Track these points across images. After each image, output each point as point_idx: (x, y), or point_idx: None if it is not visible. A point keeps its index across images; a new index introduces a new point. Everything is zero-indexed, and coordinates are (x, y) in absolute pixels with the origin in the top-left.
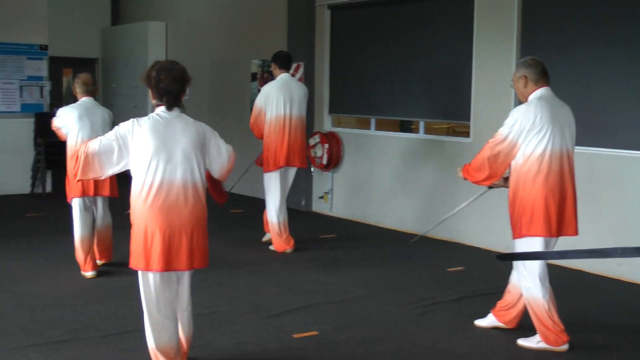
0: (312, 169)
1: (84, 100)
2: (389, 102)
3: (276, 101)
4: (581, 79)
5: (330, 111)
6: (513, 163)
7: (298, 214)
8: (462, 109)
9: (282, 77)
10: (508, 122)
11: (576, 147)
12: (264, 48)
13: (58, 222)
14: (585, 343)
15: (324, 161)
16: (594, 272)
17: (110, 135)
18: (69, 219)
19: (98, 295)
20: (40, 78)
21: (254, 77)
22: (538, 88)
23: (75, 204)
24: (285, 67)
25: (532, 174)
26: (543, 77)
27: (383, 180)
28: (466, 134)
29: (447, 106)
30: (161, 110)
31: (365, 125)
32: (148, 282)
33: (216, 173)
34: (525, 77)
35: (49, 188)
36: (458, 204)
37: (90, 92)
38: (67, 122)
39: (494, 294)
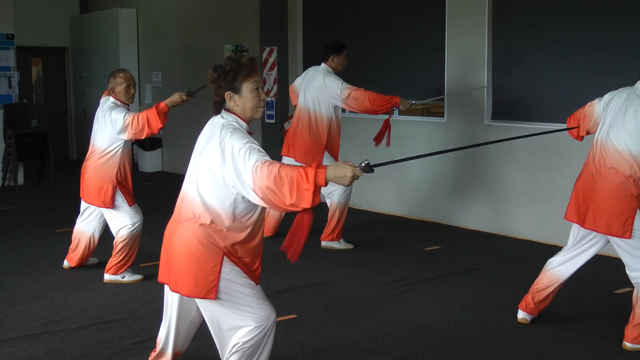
0: None
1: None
2: (362, 84)
3: (297, 90)
4: (553, 51)
5: None
6: None
7: None
8: (436, 89)
9: (316, 67)
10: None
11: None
12: (237, 33)
13: (31, 215)
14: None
15: None
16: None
17: None
18: (42, 211)
19: (75, 286)
20: (8, 68)
21: None
22: None
23: None
24: (323, 58)
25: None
26: None
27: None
28: (441, 115)
29: (422, 87)
30: None
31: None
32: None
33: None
34: None
35: (20, 180)
36: (435, 185)
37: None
38: None
39: (470, 271)
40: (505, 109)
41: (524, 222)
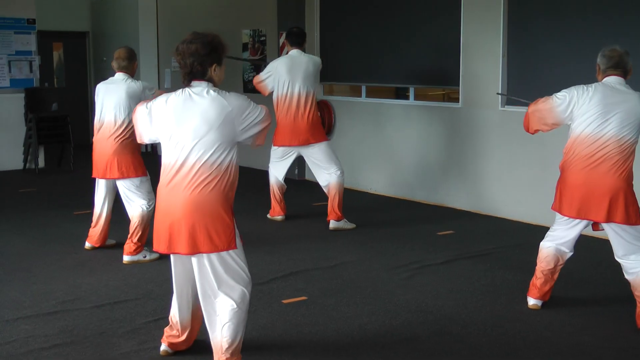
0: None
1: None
2: (379, 69)
3: (283, 80)
4: (569, 43)
5: (322, 79)
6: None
7: (291, 182)
8: (451, 74)
9: (291, 54)
10: (563, 90)
11: None
12: (255, 18)
13: (51, 197)
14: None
15: None
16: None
17: (143, 105)
18: (61, 194)
19: (91, 267)
20: (29, 52)
21: (245, 47)
22: (606, 77)
23: None
24: (297, 44)
25: (575, 155)
26: (613, 68)
27: (375, 148)
28: (456, 100)
29: (437, 72)
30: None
31: (358, 93)
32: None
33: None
34: (599, 66)
35: (41, 163)
36: (448, 170)
37: (122, 67)
38: None
39: (481, 256)
40: (520, 94)
41: (536, 208)
